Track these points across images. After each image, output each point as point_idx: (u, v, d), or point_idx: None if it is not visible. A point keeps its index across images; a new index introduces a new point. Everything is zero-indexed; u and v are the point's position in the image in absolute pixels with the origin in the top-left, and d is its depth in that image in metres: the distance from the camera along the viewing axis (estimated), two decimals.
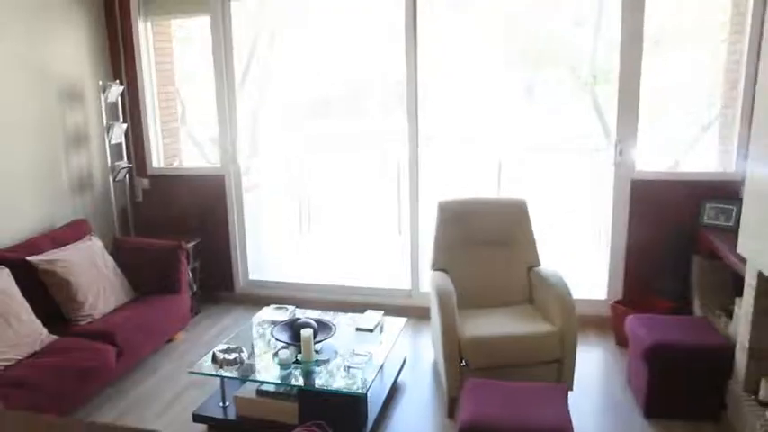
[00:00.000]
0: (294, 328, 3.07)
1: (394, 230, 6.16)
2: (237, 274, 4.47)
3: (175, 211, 4.43)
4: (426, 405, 3.15)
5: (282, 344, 2.97)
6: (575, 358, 2.98)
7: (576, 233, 5.59)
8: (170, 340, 3.84)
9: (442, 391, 3.21)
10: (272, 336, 3.03)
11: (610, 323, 3.84)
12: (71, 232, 3.76)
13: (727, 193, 3.62)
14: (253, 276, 4.53)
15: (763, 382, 2.62)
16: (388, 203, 6.19)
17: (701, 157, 4.17)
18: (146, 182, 4.45)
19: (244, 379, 2.85)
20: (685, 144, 4.53)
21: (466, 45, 6.01)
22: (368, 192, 6.70)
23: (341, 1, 5.20)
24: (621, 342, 3.65)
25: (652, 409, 2.96)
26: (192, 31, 4.80)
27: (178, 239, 3.88)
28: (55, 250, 3.49)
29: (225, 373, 2.84)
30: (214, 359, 2.90)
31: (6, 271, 3.13)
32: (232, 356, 2.90)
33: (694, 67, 4.33)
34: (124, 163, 4.26)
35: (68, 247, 3.57)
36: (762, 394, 2.61)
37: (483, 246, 3.47)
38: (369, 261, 5.49)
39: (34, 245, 3.49)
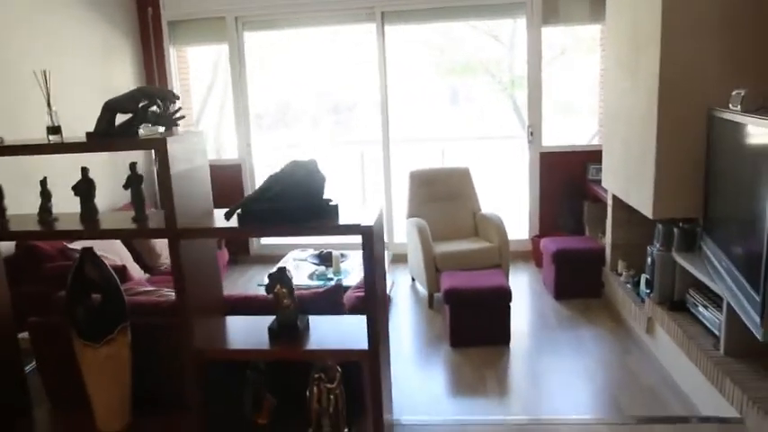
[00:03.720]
0: (322, 256, 4.71)
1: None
2: (251, 241, 6.02)
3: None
4: (413, 305, 4.85)
5: (317, 265, 4.60)
6: (509, 264, 4.77)
7: (503, 194, 7.44)
8: None
9: (420, 297, 4.92)
10: (308, 260, 4.65)
11: (531, 254, 5.68)
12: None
13: None
14: (263, 242, 6.10)
15: (619, 262, 4.48)
16: (354, 184, 7.89)
17: (587, 134, 6.11)
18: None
19: (298, 287, 4.43)
20: (580, 128, 6.49)
21: (406, 62, 7.78)
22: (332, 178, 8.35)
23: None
24: (539, 264, 5.48)
25: (559, 293, 4.78)
26: (204, 56, 6.35)
27: None
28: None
29: None
30: None
31: None
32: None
33: (587, 72, 6.27)
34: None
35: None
36: (619, 269, 4.47)
37: (442, 200, 5.21)
38: None
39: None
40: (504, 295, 3.97)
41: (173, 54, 5.83)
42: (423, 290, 4.93)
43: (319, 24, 5.77)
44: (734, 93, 2.86)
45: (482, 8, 5.56)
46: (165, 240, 3.60)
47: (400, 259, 5.53)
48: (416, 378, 3.74)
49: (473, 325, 4.01)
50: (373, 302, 2.27)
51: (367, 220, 2.23)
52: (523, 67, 5.70)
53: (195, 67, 6.30)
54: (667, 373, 3.56)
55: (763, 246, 2.43)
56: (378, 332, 2.30)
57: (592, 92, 6.06)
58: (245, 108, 5.85)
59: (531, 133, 5.65)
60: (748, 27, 3.31)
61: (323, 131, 8.89)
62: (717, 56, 3.35)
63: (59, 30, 4.68)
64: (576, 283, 4.74)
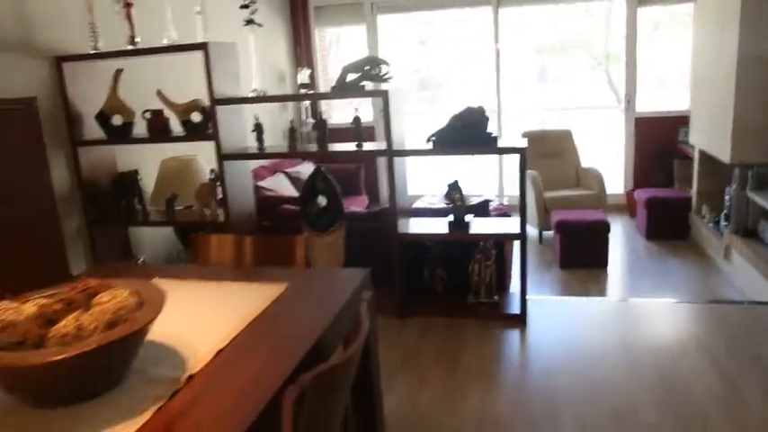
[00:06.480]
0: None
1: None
2: (382, 189, 7.36)
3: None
4: None
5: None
6: (606, 206, 5.88)
7: (599, 157, 8.47)
8: None
9: (529, 237, 6.10)
10: (441, 201, 5.91)
11: (626, 206, 6.74)
12: (291, 160, 6.64)
13: None
14: None
15: (703, 206, 5.51)
16: None
17: (680, 99, 7.08)
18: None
19: None
20: (673, 97, 7.44)
21: (508, 39, 8.85)
22: None
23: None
24: (632, 214, 6.54)
25: (650, 235, 5.84)
26: (338, 35, 7.70)
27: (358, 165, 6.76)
28: (296, 167, 6.37)
29: None
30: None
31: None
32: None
33: (681, 46, 7.21)
34: (310, 120, 7.13)
35: (298, 166, 6.45)
36: (703, 212, 5.50)
37: (549, 156, 6.36)
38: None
39: (282, 165, 6.35)
40: (603, 227, 5.10)
41: (317, 34, 7.19)
42: (533, 230, 6.10)
43: (440, 8, 6.97)
44: None
45: None
46: None
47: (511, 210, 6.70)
48: (534, 288, 4.94)
49: (578, 250, 5.16)
50: (524, 201, 3.49)
51: (520, 144, 3.45)
52: (618, 43, 6.71)
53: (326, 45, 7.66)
54: (739, 288, 4.61)
55: None
56: (525, 222, 3.53)
57: (685, 64, 7.00)
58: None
59: (628, 101, 6.69)
60: None
61: (414, 104, 10.05)
62: None
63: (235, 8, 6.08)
64: (665, 226, 5.79)
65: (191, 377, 1.55)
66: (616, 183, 6.95)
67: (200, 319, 1.94)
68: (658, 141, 6.66)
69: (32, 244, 3.05)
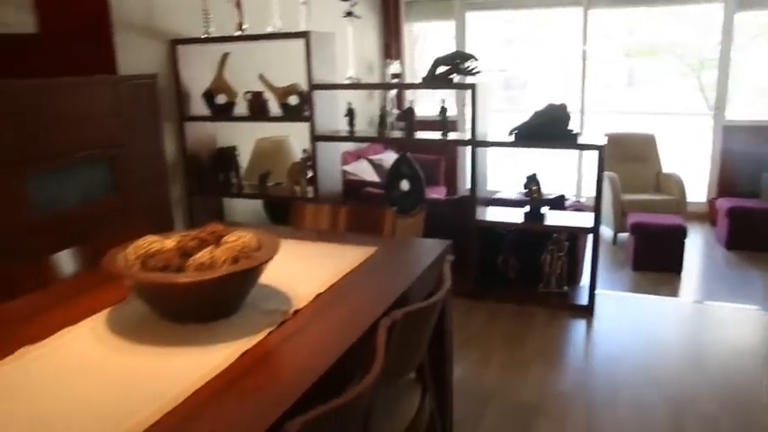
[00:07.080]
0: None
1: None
2: (459, 182, 7.59)
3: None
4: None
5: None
6: (685, 212, 5.89)
7: (682, 164, 8.40)
8: None
9: (603, 239, 6.19)
10: (518, 195, 6.09)
11: (707, 215, 6.70)
12: (375, 148, 6.95)
13: None
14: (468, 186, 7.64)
15: None
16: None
17: None
18: (402, 124, 7.58)
19: None
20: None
21: (596, 41, 8.85)
22: None
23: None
24: (713, 223, 6.50)
25: (730, 245, 5.81)
26: (423, 30, 7.97)
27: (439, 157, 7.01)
28: (379, 155, 6.68)
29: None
30: None
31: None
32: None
33: None
34: (395, 110, 7.41)
35: (381, 154, 6.76)
36: None
37: (631, 159, 6.41)
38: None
39: (366, 152, 6.67)
40: (680, 231, 5.15)
41: (407, 29, 7.48)
42: (607, 231, 6.18)
43: (530, 7, 7.11)
44: None
45: None
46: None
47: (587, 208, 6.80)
48: (604, 286, 5.04)
49: (652, 253, 5.22)
50: (599, 196, 3.65)
51: (599, 142, 3.61)
52: (712, 49, 6.67)
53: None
54: None
55: None
56: (599, 216, 3.69)
57: None
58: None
59: (718, 108, 6.65)
60: None
61: (497, 103, 10.18)
62: None
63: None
64: (748, 237, 5.74)
65: (296, 311, 1.85)
66: (699, 191, 6.91)
67: (300, 269, 2.24)
68: (747, 151, 6.59)
69: (147, 205, 3.45)
